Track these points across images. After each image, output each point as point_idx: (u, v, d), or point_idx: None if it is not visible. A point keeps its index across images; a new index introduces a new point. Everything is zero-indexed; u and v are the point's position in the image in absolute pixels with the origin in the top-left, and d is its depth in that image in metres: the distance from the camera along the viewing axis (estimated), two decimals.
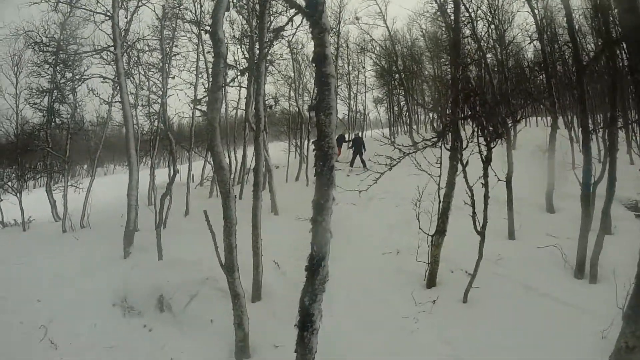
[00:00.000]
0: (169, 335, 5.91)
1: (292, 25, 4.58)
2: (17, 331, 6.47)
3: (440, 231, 6.18)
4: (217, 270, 6.04)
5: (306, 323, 3.24)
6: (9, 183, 16.00)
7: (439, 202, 6.19)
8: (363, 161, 16.33)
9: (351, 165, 16.44)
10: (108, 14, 10.03)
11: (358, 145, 17.13)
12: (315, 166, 3.07)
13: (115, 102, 14.26)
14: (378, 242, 7.75)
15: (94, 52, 11.43)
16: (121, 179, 15.41)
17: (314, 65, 3.14)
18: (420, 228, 6.33)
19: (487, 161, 5.61)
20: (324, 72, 3.07)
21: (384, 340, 5.09)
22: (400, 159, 5.69)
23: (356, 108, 26.90)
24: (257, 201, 6.47)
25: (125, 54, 11.48)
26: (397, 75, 22.31)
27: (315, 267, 3.17)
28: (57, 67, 14.62)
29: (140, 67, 13.67)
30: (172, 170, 10.18)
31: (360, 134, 19.34)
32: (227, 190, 4.75)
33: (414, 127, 23.11)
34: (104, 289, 7.22)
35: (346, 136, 21.01)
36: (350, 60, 25.58)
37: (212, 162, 14.68)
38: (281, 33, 5.28)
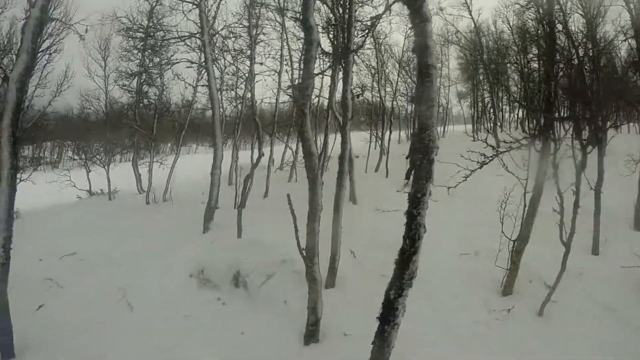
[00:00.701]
0: (242, 311, 6.07)
1: (389, 13, 4.56)
2: (96, 290, 6.95)
3: (523, 237, 5.87)
4: (294, 253, 6.13)
5: (389, 317, 3.23)
6: (98, 156, 17.23)
7: (525, 206, 5.90)
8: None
9: (407, 177, 12.64)
10: (195, 2, 10.43)
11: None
12: (414, 158, 3.05)
13: (201, 85, 15.08)
14: (456, 242, 7.54)
15: (181, 39, 11.88)
16: (203, 158, 16.08)
17: (413, 55, 3.10)
18: (502, 232, 6.05)
19: (581, 167, 5.32)
20: (425, 63, 3.03)
21: (455, 343, 4.98)
22: (493, 158, 5.50)
23: (439, 102, 26.36)
24: (341, 189, 6.48)
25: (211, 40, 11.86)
26: (482, 69, 21.39)
27: (406, 261, 3.13)
28: (145, 52, 15.55)
29: (225, 53, 14.18)
30: (257, 153, 10.44)
31: None
32: (315, 176, 4.80)
33: (498, 124, 22.10)
34: (182, 260, 7.54)
35: None
36: (434, 52, 25.05)
37: (292, 148, 15.04)
38: (376, 22, 5.23)
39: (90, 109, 18.33)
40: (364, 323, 5.21)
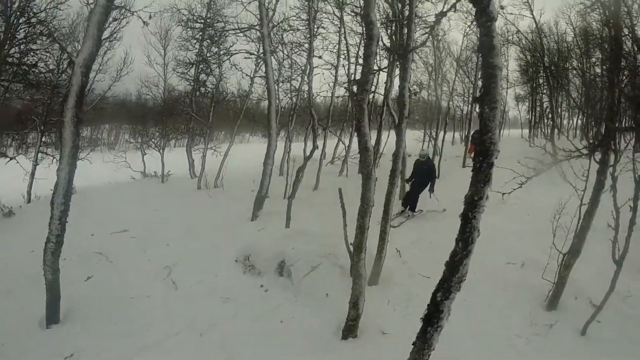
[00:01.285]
0: (284, 299, 6.16)
1: (454, 10, 4.51)
2: (143, 267, 7.24)
3: (574, 251, 5.55)
4: (340, 247, 6.19)
5: (433, 319, 3.20)
6: (153, 140, 17.94)
7: (579, 219, 5.55)
8: (415, 201, 10.23)
9: (404, 204, 10.43)
10: None
11: (425, 176, 10.22)
12: (474, 161, 3.01)
13: (258, 76, 15.43)
14: (503, 251, 7.30)
15: (240, 30, 12.15)
16: (256, 148, 16.35)
17: (480, 55, 3.07)
18: (553, 244, 5.78)
19: None
20: (490, 63, 2.98)
21: (492, 354, 4.87)
22: (551, 165, 5.31)
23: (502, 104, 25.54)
24: (393, 187, 6.42)
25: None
26: (542, 72, 20.31)
27: (457, 264, 3.10)
28: (204, 43, 16.10)
29: (284, 45, 14.39)
30: (312, 145, 10.61)
31: (429, 155, 10.90)
32: (369, 172, 4.79)
33: (556, 131, 21.01)
34: (229, 245, 7.70)
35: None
36: (500, 53, 24.18)
37: (345, 142, 15.05)
38: (440, 19, 5.14)
39: (148, 95, 19.08)
40: (403, 323, 5.27)
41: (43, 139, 14.86)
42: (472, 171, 3.03)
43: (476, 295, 5.79)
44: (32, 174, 14.13)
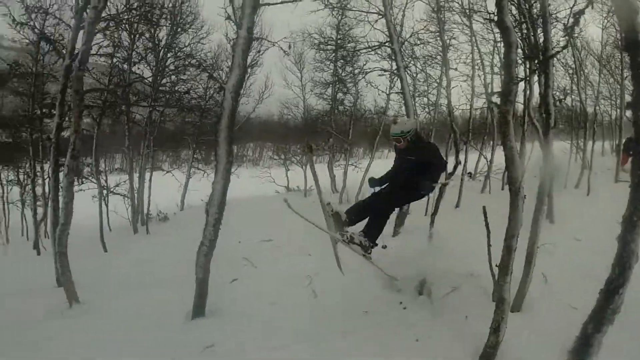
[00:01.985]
0: (421, 318, 5.99)
1: (591, 7, 4.12)
2: (285, 274, 7.62)
3: None
4: (483, 267, 5.87)
5: (581, 353, 2.96)
6: (296, 157, 19.08)
7: None
8: (383, 225, 6.56)
9: (351, 219, 6.81)
10: (381, 13, 10.90)
11: (407, 174, 6.07)
12: (632, 175, 2.72)
13: (393, 92, 15.56)
14: None
15: (371, 48, 12.56)
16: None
17: (626, 53, 2.76)
18: None
19: None
20: (639, 63, 2.68)
21: None
22: None
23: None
24: (540, 205, 5.98)
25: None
26: None
27: (611, 293, 2.82)
28: (338, 63, 16.97)
29: (416, 59, 14.38)
30: (454, 161, 10.48)
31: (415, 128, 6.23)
32: (517, 189, 4.50)
33: None
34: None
35: None
36: None
37: (487, 157, 14.41)
38: (579, 17, 4.66)
39: (289, 115, 20.39)
40: (545, 355, 4.75)
41: (195, 156, 17.50)
42: (629, 187, 2.73)
43: (625, 329, 5.02)
44: (185, 186, 16.71)
